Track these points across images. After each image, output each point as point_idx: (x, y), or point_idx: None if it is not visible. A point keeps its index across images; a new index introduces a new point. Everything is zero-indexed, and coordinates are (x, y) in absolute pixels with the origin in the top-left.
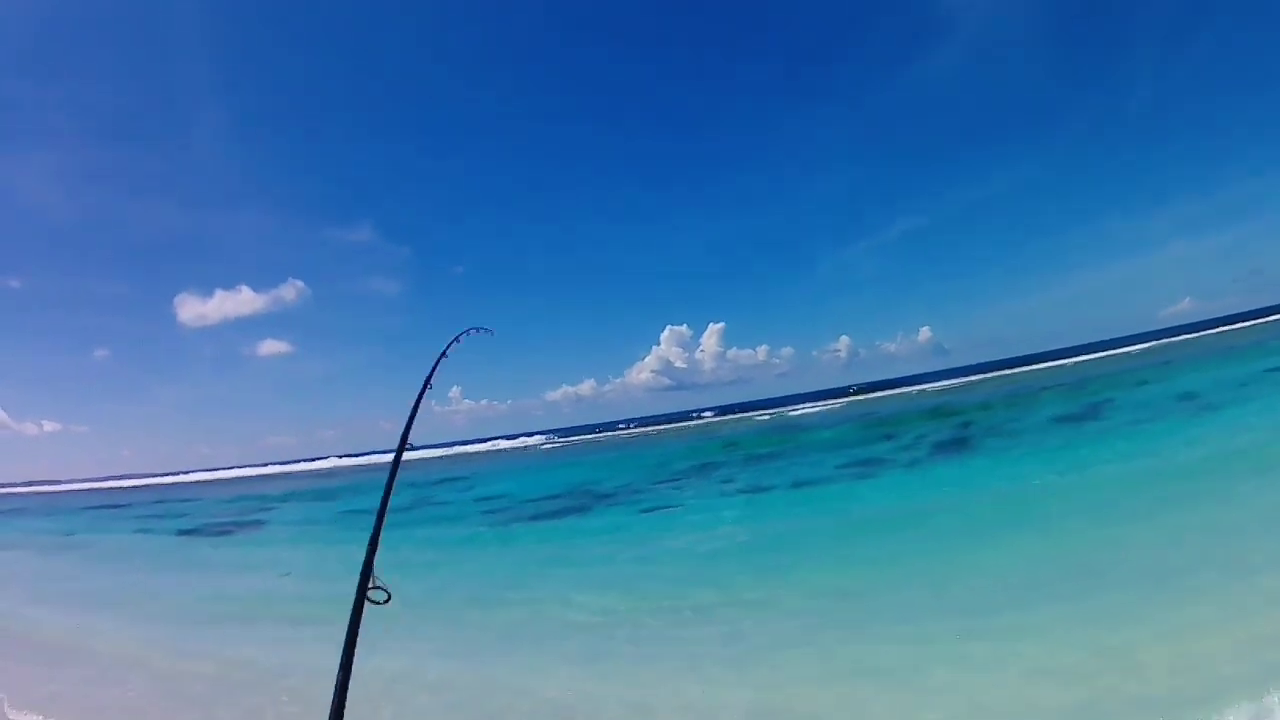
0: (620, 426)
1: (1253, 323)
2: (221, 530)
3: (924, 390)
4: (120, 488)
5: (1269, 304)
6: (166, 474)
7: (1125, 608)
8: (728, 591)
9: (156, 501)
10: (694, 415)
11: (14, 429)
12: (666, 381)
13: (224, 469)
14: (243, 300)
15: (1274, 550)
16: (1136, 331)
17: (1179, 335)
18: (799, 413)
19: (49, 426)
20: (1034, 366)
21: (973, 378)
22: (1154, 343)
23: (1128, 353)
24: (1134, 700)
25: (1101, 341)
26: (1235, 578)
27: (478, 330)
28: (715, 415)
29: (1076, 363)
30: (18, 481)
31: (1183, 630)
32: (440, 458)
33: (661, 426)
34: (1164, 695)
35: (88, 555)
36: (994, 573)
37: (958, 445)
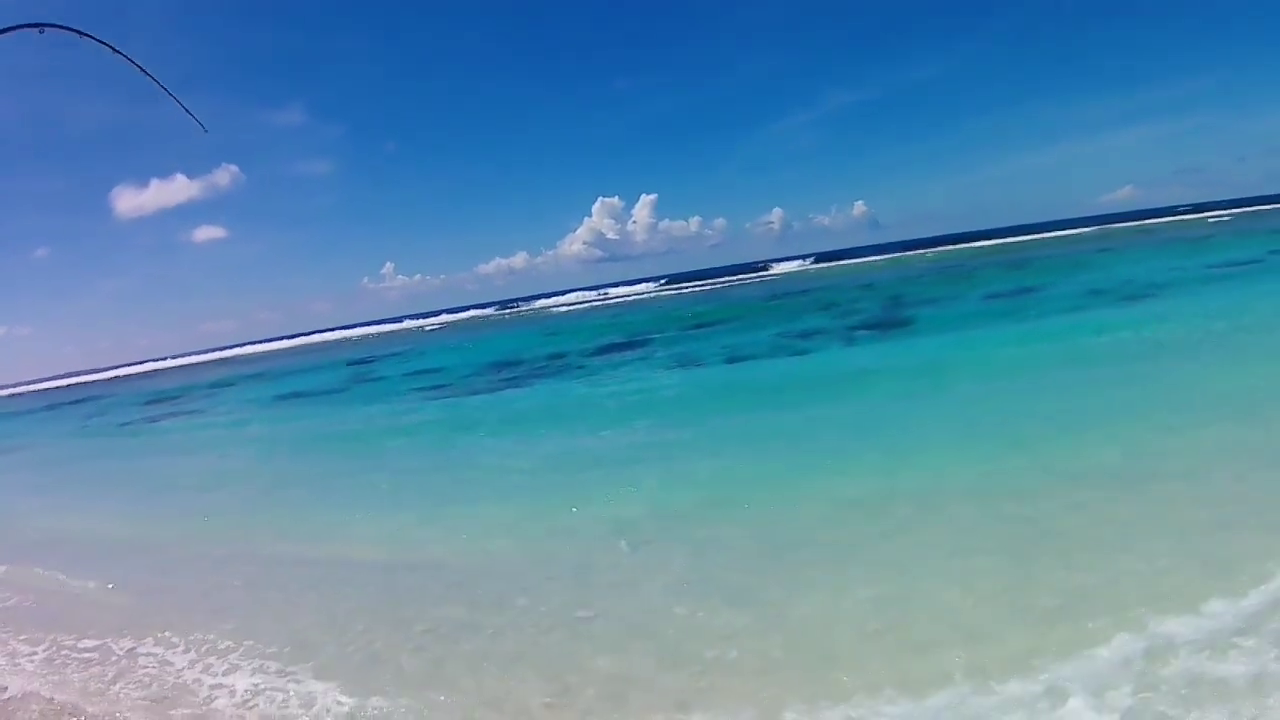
0: (554, 297)
1: (1194, 216)
2: (156, 419)
3: (858, 264)
4: (63, 386)
5: (1210, 199)
6: (109, 368)
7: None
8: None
9: (96, 398)
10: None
11: None
12: (599, 253)
13: (166, 359)
14: (177, 188)
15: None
16: (1075, 216)
17: (1118, 223)
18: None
19: None
20: (971, 244)
21: (908, 253)
22: (1093, 228)
23: (1066, 235)
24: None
25: (1041, 223)
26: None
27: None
28: (656, 286)
29: (1014, 242)
30: None
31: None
32: (375, 335)
33: (599, 295)
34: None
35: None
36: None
37: (890, 322)
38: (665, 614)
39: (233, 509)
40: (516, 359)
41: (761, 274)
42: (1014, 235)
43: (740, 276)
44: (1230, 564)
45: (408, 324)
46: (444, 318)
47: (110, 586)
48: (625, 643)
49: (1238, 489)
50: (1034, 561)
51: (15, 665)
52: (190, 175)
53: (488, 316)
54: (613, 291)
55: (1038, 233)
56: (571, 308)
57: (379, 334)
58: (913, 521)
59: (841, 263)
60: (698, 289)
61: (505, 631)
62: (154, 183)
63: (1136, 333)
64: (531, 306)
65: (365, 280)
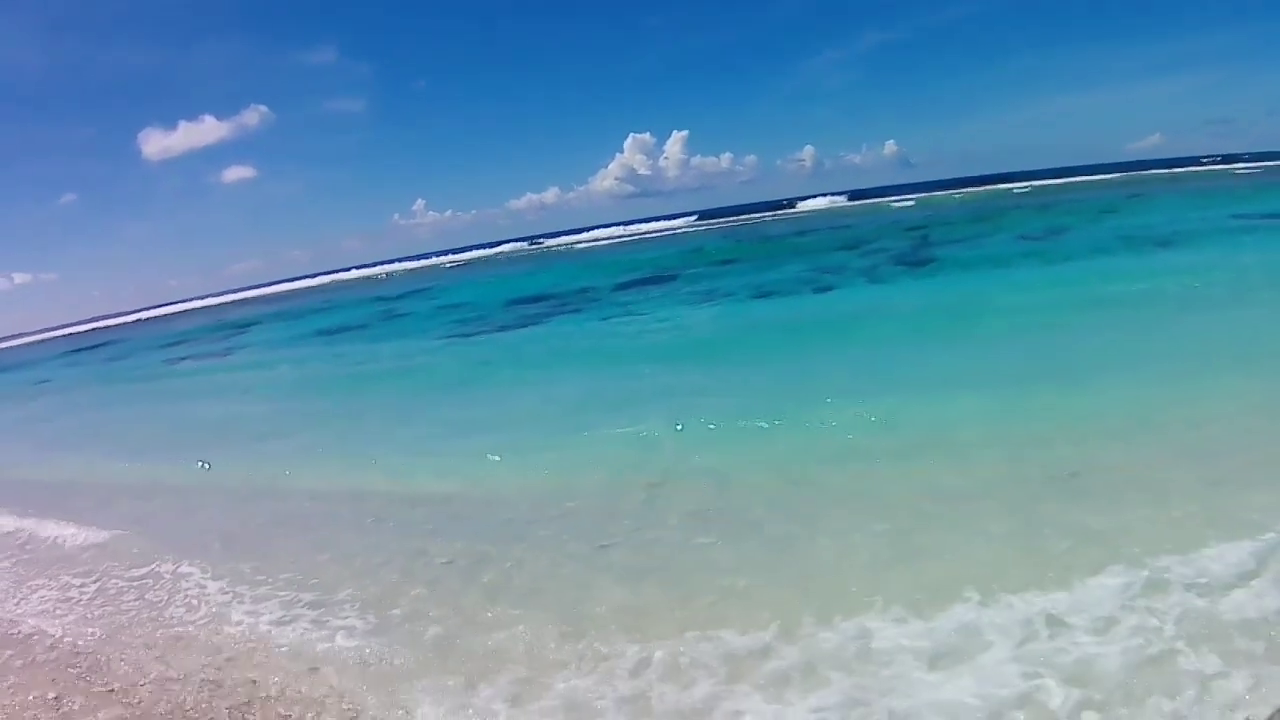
0: (585, 233)
1: (1222, 167)
2: (190, 358)
3: (889, 203)
4: (87, 330)
5: (1239, 151)
6: (136, 310)
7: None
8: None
9: (117, 341)
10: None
11: None
12: (630, 189)
13: (194, 300)
14: (206, 129)
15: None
16: (1104, 161)
17: (1147, 170)
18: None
19: (19, 279)
20: (1000, 186)
21: (937, 193)
22: (1121, 174)
23: (1095, 180)
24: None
25: (1069, 167)
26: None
27: None
28: (688, 222)
29: (1043, 185)
30: None
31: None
32: (406, 271)
33: (629, 230)
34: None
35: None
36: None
37: (916, 261)
38: (684, 546)
39: (252, 450)
40: (545, 294)
41: (789, 211)
42: (1043, 179)
43: (772, 213)
44: (1235, 512)
45: (438, 260)
46: (476, 252)
47: (127, 531)
48: (642, 574)
49: (1247, 439)
50: (1045, 502)
51: (37, 609)
52: (219, 116)
53: (519, 251)
54: (644, 227)
55: (1066, 177)
56: (602, 243)
57: (410, 269)
58: (928, 461)
59: (872, 200)
60: (729, 224)
61: (524, 562)
62: (182, 124)
63: (1158, 281)
64: (561, 241)
65: (396, 217)
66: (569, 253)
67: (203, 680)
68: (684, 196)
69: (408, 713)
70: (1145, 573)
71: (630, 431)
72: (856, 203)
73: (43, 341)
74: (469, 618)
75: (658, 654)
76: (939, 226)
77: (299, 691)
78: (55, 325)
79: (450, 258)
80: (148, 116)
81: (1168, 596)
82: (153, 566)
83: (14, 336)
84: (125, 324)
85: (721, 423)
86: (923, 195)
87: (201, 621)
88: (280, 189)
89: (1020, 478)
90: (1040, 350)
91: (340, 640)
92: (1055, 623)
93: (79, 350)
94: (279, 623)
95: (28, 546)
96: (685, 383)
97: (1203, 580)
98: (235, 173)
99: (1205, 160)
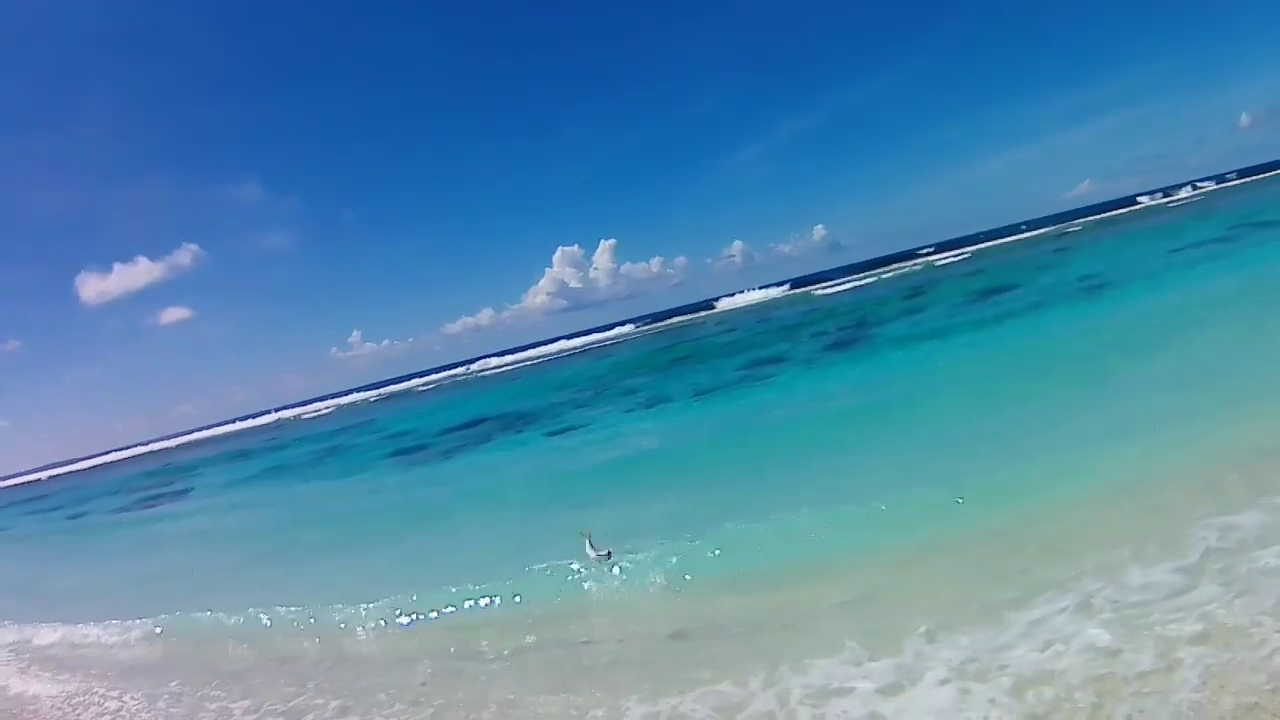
0: (522, 351)
1: (1164, 200)
2: (144, 504)
3: (821, 291)
4: (41, 479)
5: (1177, 182)
6: (85, 457)
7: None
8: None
9: (71, 489)
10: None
11: None
12: (563, 303)
13: (141, 445)
14: (140, 271)
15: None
16: (1038, 216)
17: (1081, 219)
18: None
19: None
20: (935, 257)
21: (867, 274)
22: (1052, 227)
23: (1027, 238)
24: None
25: (1002, 228)
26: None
27: None
28: (637, 326)
29: (977, 250)
30: None
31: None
32: (348, 405)
33: (569, 344)
34: None
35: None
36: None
37: (849, 343)
38: None
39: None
40: (483, 418)
41: (714, 310)
42: (975, 243)
43: (704, 313)
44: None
45: (371, 393)
46: (413, 381)
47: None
48: None
49: None
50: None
51: None
52: (152, 257)
53: (458, 376)
54: (579, 341)
55: (1000, 238)
56: (536, 361)
57: (352, 403)
58: None
59: (802, 289)
60: (662, 327)
61: None
62: (117, 267)
63: (1087, 328)
64: (502, 361)
65: (334, 350)
66: (507, 373)
67: None
68: (616, 305)
69: None
70: None
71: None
72: (796, 290)
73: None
74: None
75: None
76: (874, 307)
77: None
78: (7, 474)
79: (385, 390)
80: (84, 258)
81: None
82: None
83: None
84: (74, 471)
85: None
86: (855, 278)
87: None
88: (217, 328)
89: None
90: (965, 421)
91: None
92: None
93: (30, 500)
94: None
95: None
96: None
97: None
98: (171, 314)
99: (1142, 196)
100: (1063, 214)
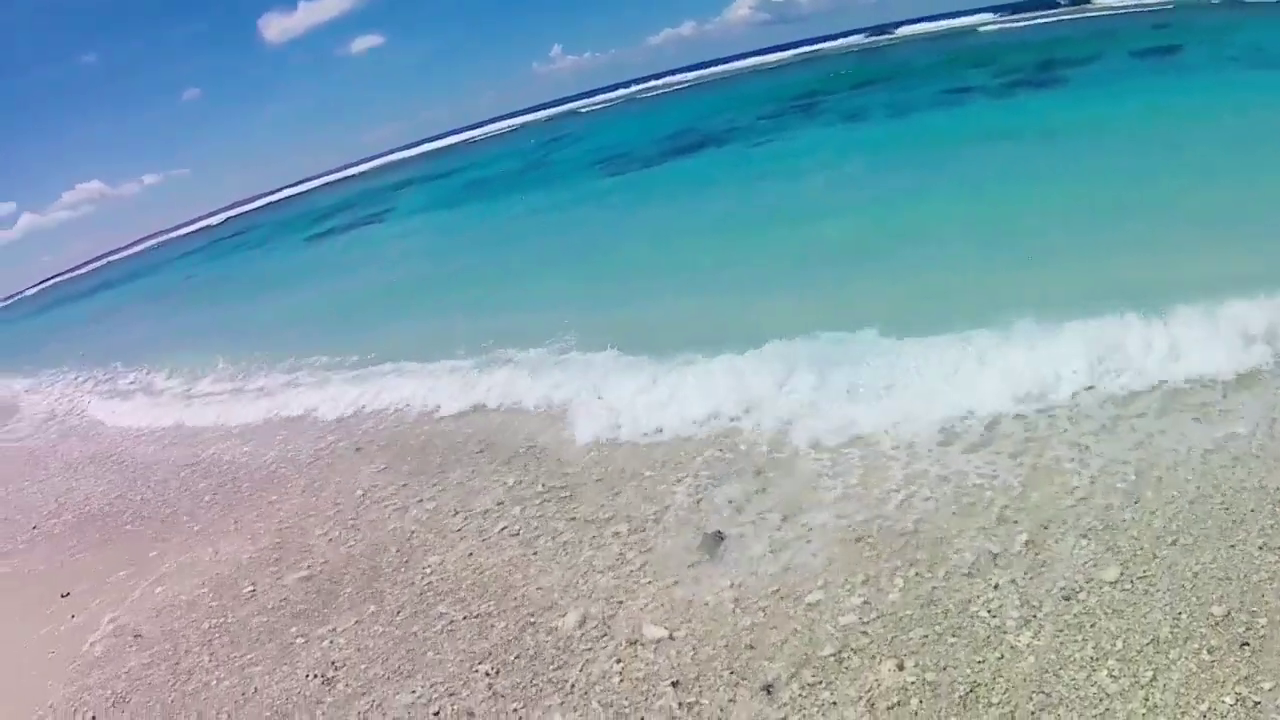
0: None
1: None
2: (354, 225)
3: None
4: (235, 216)
5: None
6: (274, 190)
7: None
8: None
9: (257, 227)
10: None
11: (114, 194)
12: (765, 16)
13: (337, 171)
14: (326, 4)
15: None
16: None
17: None
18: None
19: (149, 180)
20: None
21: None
22: None
23: None
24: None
25: None
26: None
27: None
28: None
29: None
30: (128, 243)
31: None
32: (548, 119)
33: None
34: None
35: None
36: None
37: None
38: None
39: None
40: (689, 129)
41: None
42: None
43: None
44: None
45: (577, 104)
46: (617, 92)
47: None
48: None
49: None
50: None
51: None
52: None
53: (664, 87)
54: (776, 56)
55: None
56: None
57: (553, 116)
58: None
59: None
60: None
61: None
62: (301, 4)
63: None
64: (708, 73)
65: (534, 64)
66: (711, 83)
67: None
68: (821, 20)
69: None
70: None
71: None
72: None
73: (181, 238)
74: None
75: None
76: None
77: None
78: (193, 219)
79: (585, 102)
80: (265, 1)
81: None
82: None
83: (150, 237)
84: (260, 208)
85: None
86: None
87: None
88: (412, 50)
89: None
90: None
91: None
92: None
93: (217, 241)
94: None
95: None
96: None
97: None
98: (363, 42)
99: None
100: None
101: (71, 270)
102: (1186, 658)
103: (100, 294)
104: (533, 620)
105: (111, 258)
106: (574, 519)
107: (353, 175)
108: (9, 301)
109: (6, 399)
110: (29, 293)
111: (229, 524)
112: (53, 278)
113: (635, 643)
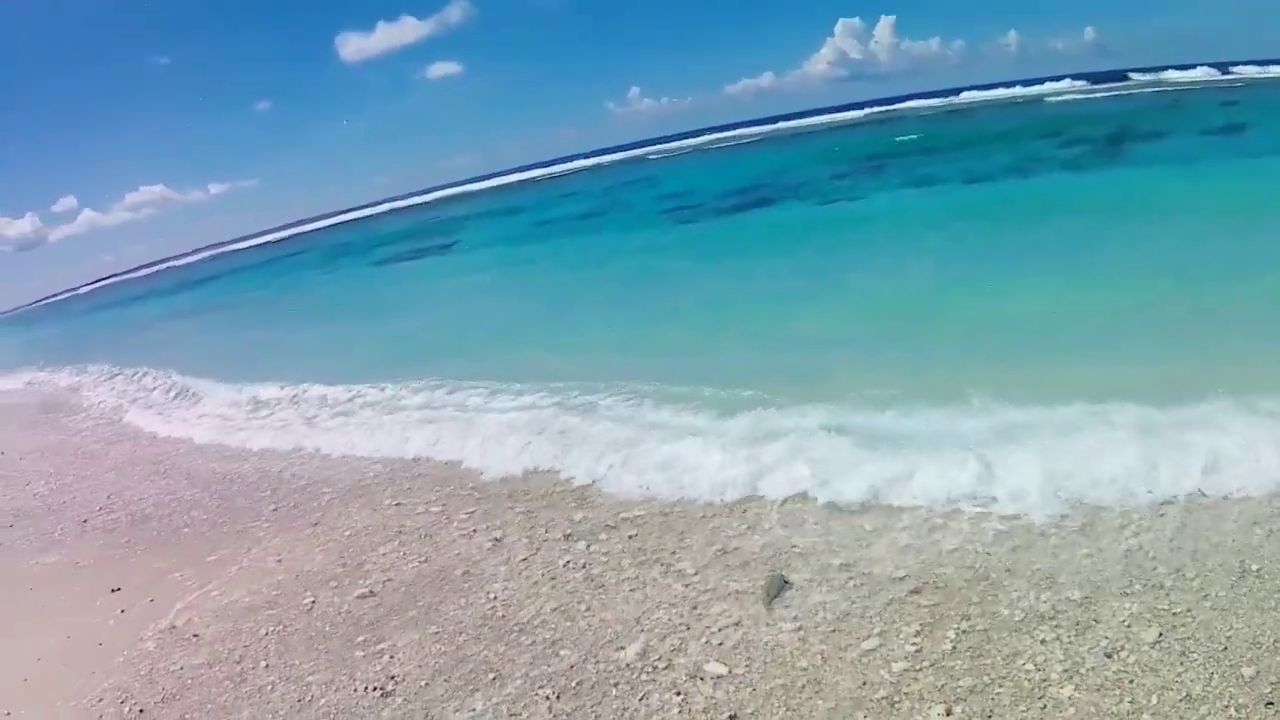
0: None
1: None
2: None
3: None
4: (296, 235)
5: None
6: (342, 211)
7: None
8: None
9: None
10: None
11: (179, 199)
12: (843, 73)
13: (402, 199)
14: (406, 28)
15: None
16: None
17: None
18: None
19: (215, 189)
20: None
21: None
22: None
23: None
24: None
25: None
26: None
27: None
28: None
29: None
30: (186, 251)
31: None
32: (622, 160)
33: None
34: None
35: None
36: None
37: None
38: None
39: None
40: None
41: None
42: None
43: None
44: None
45: (647, 150)
46: (687, 141)
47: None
48: None
49: None
50: None
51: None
52: (419, 16)
53: (735, 139)
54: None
55: None
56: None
57: (627, 159)
58: None
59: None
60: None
61: None
62: (380, 25)
63: None
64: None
65: (610, 105)
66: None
67: None
68: (899, 79)
69: None
70: None
71: None
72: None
73: (240, 250)
74: None
75: None
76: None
77: None
78: (257, 232)
79: (659, 147)
80: (341, 19)
81: None
82: None
83: (211, 247)
84: (324, 228)
85: None
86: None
87: None
88: (487, 81)
89: None
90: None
91: None
92: None
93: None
94: None
95: None
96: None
97: None
98: (440, 69)
99: None
100: None
101: (129, 272)
102: (1215, 713)
103: (176, 296)
104: (596, 650)
105: (174, 263)
106: (641, 560)
107: (418, 204)
108: (64, 297)
109: (66, 395)
110: (82, 290)
111: (292, 535)
112: (108, 277)
113: (695, 676)
